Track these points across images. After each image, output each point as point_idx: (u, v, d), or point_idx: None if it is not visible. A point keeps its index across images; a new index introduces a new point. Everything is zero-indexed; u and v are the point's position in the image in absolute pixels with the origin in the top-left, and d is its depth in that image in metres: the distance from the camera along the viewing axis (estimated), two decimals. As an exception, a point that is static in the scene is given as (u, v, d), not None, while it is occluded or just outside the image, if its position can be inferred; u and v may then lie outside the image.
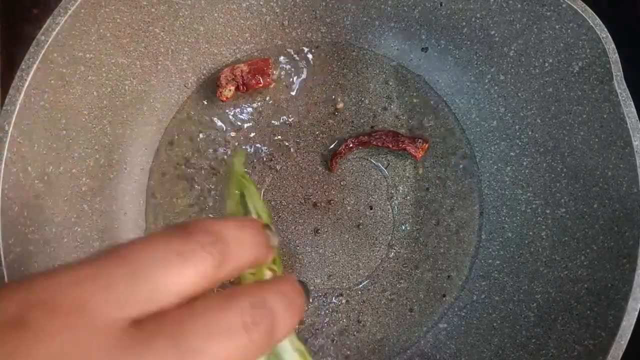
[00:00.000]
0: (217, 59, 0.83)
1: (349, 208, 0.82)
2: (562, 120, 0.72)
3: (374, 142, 0.81)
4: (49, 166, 0.68)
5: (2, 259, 0.62)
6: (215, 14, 0.79)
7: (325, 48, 0.84)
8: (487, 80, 0.79)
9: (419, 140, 0.81)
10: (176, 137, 0.82)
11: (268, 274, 0.42)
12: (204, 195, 0.81)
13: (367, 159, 0.84)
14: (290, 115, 0.83)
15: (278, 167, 0.83)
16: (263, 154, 0.82)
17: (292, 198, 0.83)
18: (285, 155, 0.83)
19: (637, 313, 0.63)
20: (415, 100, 0.84)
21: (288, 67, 0.84)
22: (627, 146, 0.65)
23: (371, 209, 0.83)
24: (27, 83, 0.63)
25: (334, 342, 0.81)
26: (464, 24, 0.77)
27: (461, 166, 0.84)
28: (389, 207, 0.83)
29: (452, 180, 0.83)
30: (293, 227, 0.82)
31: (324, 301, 0.81)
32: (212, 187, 0.81)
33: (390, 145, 0.81)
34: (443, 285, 0.82)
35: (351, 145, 0.81)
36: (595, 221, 0.69)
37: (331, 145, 0.83)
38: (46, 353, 0.26)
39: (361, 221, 0.82)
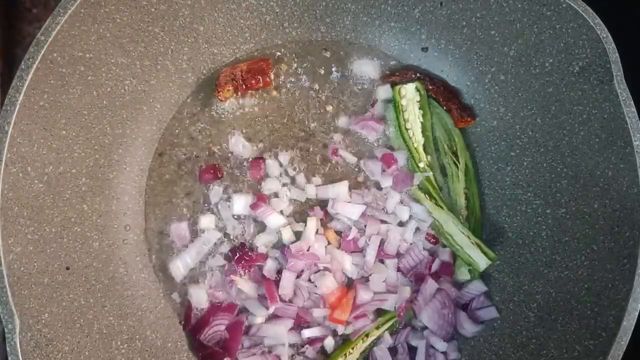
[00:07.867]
0: (216, 58, 0.83)
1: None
2: (562, 120, 0.72)
3: (431, 86, 0.81)
4: (48, 166, 0.68)
5: (2, 259, 0.62)
6: (215, 14, 0.79)
7: (324, 47, 0.84)
8: (487, 80, 0.79)
9: (468, 112, 0.81)
10: (176, 136, 0.82)
11: None
12: (203, 194, 0.81)
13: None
14: (290, 114, 0.83)
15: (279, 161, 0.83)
16: (263, 153, 0.82)
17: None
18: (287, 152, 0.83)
19: (637, 313, 0.63)
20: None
21: (288, 65, 0.84)
22: (627, 146, 0.65)
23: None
24: (27, 83, 0.63)
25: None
26: (464, 24, 0.77)
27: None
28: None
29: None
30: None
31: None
32: (212, 185, 0.81)
33: (441, 98, 0.81)
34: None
35: (412, 75, 0.81)
36: (595, 221, 0.69)
37: (330, 141, 0.83)
38: None
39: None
